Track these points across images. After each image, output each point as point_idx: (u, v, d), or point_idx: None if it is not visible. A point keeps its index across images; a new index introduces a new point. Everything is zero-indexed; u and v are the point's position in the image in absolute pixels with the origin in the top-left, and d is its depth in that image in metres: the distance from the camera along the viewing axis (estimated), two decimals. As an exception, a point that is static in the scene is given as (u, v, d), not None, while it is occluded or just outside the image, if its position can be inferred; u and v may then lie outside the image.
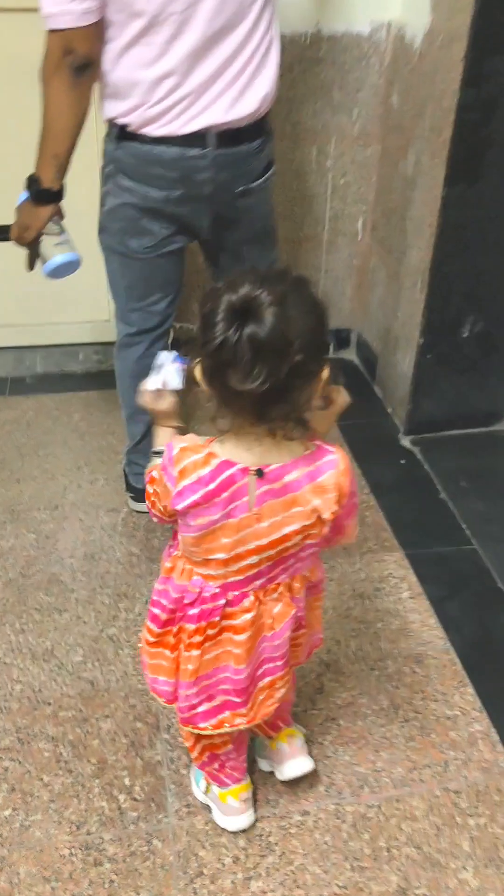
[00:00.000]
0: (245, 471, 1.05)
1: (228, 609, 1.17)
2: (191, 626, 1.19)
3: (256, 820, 1.44)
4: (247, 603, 1.17)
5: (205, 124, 1.59)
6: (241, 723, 1.25)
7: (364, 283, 2.77)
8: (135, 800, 1.47)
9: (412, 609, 1.88)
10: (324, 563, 1.33)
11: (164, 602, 1.22)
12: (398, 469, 2.34)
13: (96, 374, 2.76)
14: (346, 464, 1.09)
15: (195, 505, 1.07)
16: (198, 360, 1.02)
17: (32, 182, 1.66)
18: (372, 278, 2.71)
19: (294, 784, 1.50)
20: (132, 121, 1.60)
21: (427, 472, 2.32)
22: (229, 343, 0.93)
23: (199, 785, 1.46)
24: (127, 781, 1.50)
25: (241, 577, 1.14)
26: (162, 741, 1.57)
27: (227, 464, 1.05)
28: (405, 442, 2.45)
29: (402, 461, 2.38)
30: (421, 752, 1.57)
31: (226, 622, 1.18)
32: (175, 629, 1.22)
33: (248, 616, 1.17)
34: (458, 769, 1.54)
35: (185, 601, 1.18)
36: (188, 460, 1.07)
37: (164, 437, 1.22)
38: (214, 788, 1.43)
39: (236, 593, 1.16)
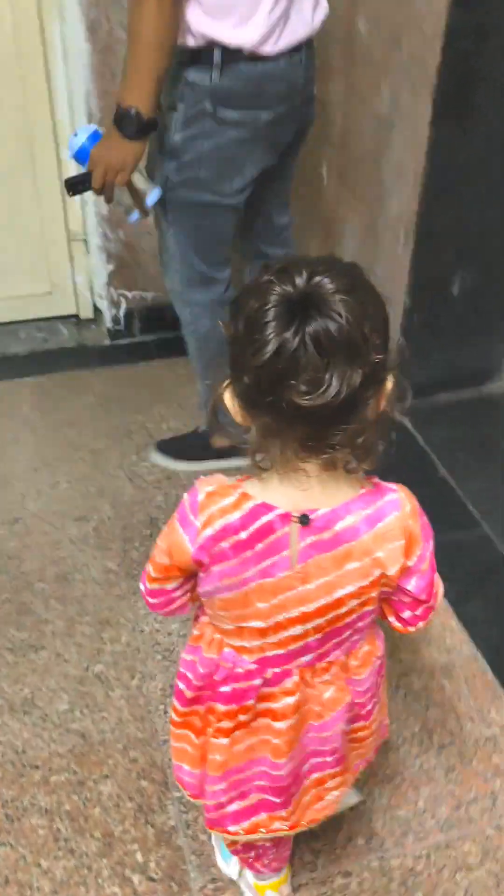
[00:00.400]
0: (286, 517, 0.83)
1: (266, 689, 0.95)
2: (220, 708, 0.97)
3: (295, 890, 1.26)
4: (289, 684, 0.94)
5: (305, 34, 1.56)
6: (280, 828, 1.04)
7: (332, 236, 2.51)
8: (151, 880, 1.27)
9: (429, 610, 1.70)
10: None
11: (190, 676, 1.00)
12: (390, 444, 2.13)
13: (42, 355, 2.46)
14: (414, 504, 0.88)
15: (223, 557, 0.85)
16: (226, 382, 0.80)
17: (129, 115, 1.46)
18: (341, 231, 2.45)
19: (331, 839, 1.32)
20: (246, 38, 1.46)
21: (422, 447, 2.13)
22: (287, 347, 0.71)
23: (225, 859, 1.27)
24: (139, 857, 1.30)
25: (281, 652, 0.92)
26: (173, 801, 1.37)
27: (264, 508, 0.83)
28: (394, 413, 2.24)
29: (393, 435, 2.17)
30: (464, 784, 1.41)
31: (262, 705, 0.96)
32: (202, 709, 1.00)
33: (291, 700, 0.95)
34: (507, 801, 1.39)
35: (216, 677, 0.96)
36: (216, 506, 0.85)
37: None
38: (248, 874, 1.23)
39: (277, 670, 0.94)
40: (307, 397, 0.72)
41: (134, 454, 2.08)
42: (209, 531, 0.85)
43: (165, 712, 1.49)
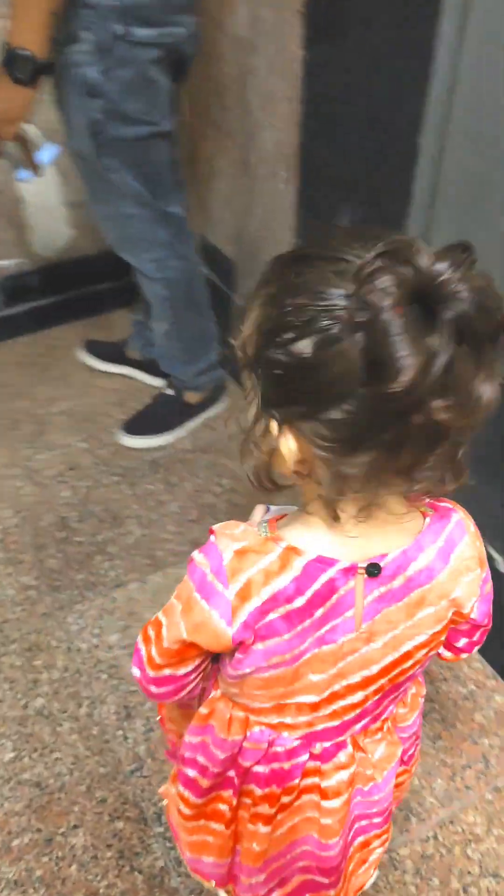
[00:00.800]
0: (350, 570, 0.66)
1: (312, 763, 0.79)
2: (257, 791, 0.81)
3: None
4: (343, 757, 0.79)
5: None
6: None
7: (199, 176, 2.31)
8: (152, 933, 1.15)
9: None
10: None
11: (203, 761, 0.82)
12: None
13: None
14: (472, 521, 0.73)
15: (272, 632, 0.68)
16: (276, 425, 0.61)
17: (21, 57, 1.27)
18: (209, 169, 2.26)
19: (332, 841, 1.23)
20: None
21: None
22: (438, 360, 0.52)
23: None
24: (133, 911, 1.17)
25: (335, 724, 0.76)
26: (156, 837, 1.23)
27: (321, 563, 0.66)
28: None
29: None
30: (453, 751, 1.35)
31: (307, 781, 0.80)
32: (229, 794, 0.83)
33: (345, 776, 0.79)
34: (498, 759, 1.34)
35: (244, 761, 0.80)
36: (255, 568, 0.66)
37: None
38: None
39: (327, 745, 0.78)
40: (454, 414, 0.54)
41: (26, 447, 1.86)
42: (254, 603, 0.66)
43: (126, 738, 1.35)
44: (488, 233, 1.96)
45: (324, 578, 0.66)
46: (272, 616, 0.67)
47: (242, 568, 0.66)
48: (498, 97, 1.84)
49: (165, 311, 1.76)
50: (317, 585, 0.66)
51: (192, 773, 0.84)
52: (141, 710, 1.38)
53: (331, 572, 0.66)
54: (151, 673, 0.76)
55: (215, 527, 0.69)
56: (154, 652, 0.75)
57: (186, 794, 0.85)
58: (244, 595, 0.66)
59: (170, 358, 1.84)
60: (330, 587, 0.66)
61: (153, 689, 0.78)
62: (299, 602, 0.66)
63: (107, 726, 1.36)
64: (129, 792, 1.28)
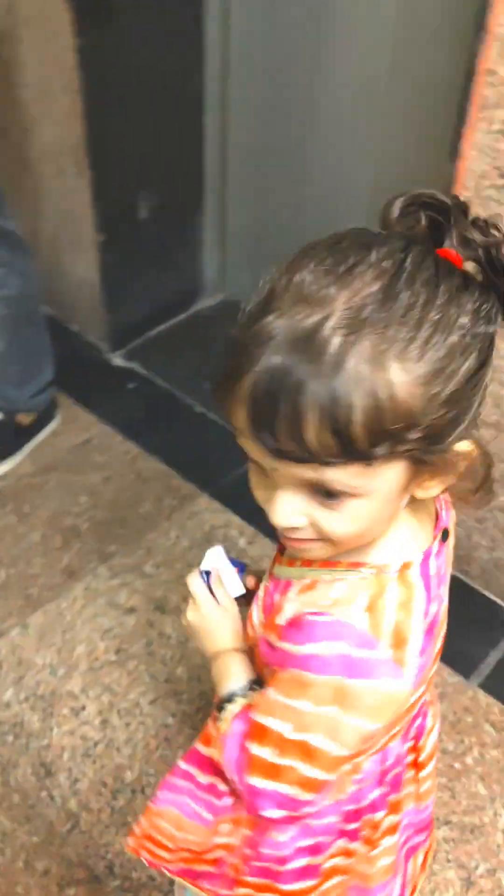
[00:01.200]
0: (440, 549, 0.66)
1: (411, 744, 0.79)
2: (379, 816, 0.76)
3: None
4: (430, 721, 0.80)
5: None
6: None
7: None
8: None
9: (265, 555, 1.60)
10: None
11: (309, 843, 0.75)
12: (133, 397, 1.94)
13: None
14: None
15: (421, 653, 0.64)
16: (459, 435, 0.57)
17: None
18: (-17, 172, 2.10)
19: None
20: None
21: (164, 388, 1.96)
22: None
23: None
24: None
25: (427, 698, 0.77)
26: (114, 893, 1.16)
27: (426, 560, 0.64)
28: (118, 361, 2.03)
29: (130, 385, 1.98)
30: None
31: (407, 759, 0.79)
32: (343, 842, 0.76)
33: (435, 736, 0.81)
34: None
35: (355, 805, 0.74)
36: (389, 612, 0.60)
37: (233, 665, 0.74)
38: None
39: (420, 721, 0.78)
40: None
41: None
42: (411, 644, 0.61)
43: (52, 797, 1.25)
44: (277, 202, 1.99)
45: (434, 570, 0.64)
46: (423, 643, 0.63)
47: (379, 620, 0.60)
48: (267, 65, 1.85)
49: (3, 330, 1.63)
50: (434, 581, 0.64)
51: (302, 861, 0.76)
52: (60, 763, 1.28)
53: (435, 561, 0.64)
54: (313, 796, 0.66)
55: (313, 615, 0.61)
56: (313, 774, 0.64)
57: (299, 886, 0.77)
58: (398, 642, 0.60)
59: (2, 381, 1.71)
60: (439, 575, 0.65)
61: (313, 809, 0.68)
62: (433, 608, 0.64)
63: (27, 790, 1.25)
64: (71, 854, 1.19)
